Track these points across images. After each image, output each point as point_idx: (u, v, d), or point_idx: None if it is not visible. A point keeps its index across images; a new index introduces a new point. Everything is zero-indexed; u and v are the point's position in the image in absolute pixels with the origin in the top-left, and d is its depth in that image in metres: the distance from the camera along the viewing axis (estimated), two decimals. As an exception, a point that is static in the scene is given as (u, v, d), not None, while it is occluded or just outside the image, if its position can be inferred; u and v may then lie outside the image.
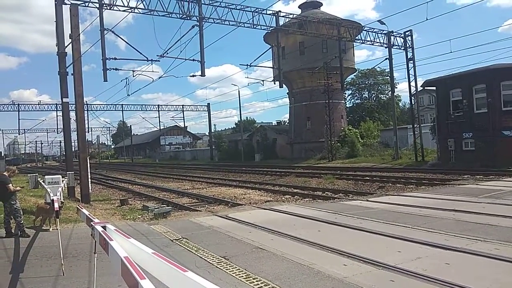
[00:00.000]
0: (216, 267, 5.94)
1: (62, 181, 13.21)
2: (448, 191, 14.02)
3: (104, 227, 3.89)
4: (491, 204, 10.46)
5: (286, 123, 60.90)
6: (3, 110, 56.87)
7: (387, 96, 59.91)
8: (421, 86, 30.13)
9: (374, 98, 63.44)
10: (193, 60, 22.01)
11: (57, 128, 61.91)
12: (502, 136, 22.87)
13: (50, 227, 9.13)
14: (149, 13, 21.82)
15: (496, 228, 7.68)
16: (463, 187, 15.09)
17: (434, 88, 28.26)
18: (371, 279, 5.13)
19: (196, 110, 69.93)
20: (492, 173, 18.99)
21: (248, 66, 27.49)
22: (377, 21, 30.21)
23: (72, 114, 21.77)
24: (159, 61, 21.60)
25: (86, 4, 19.63)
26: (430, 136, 31.91)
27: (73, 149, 25.20)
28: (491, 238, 6.85)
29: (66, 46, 17.12)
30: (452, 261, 5.78)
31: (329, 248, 6.65)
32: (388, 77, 39.00)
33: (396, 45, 31.77)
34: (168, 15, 22.01)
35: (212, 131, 70.14)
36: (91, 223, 4.27)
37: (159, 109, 68.49)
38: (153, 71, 21.95)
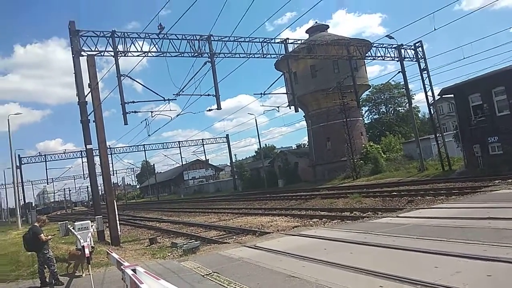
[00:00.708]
0: (250, 299, 5.85)
1: (92, 226, 13.42)
2: (480, 198, 13.57)
3: (134, 270, 3.93)
4: (528, 208, 10.07)
5: (306, 146, 60.72)
6: (31, 162, 58.76)
7: (405, 109, 59.28)
8: (438, 95, 29.76)
9: (392, 112, 62.83)
10: (208, 95, 22.51)
11: (83, 174, 63.38)
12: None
13: (83, 273, 9.23)
14: (162, 55, 22.58)
15: (536, 233, 7.36)
16: (495, 193, 14.59)
17: (452, 95, 27.86)
18: (410, 299, 4.96)
19: (216, 143, 70.66)
20: (525, 176, 18.32)
21: (262, 95, 27.85)
22: (386, 36, 30.32)
23: (97, 159, 22.36)
24: (175, 99, 22.15)
25: (102, 53, 20.50)
26: (454, 144, 31.20)
27: (100, 193, 25.71)
28: (532, 244, 6.56)
29: (86, 95, 17.80)
30: (494, 272, 5.53)
31: (363, 270, 6.48)
32: (403, 90, 38.75)
33: (407, 58, 31.72)
34: (180, 55, 22.71)
35: (233, 161, 70.43)
36: (121, 266, 4.33)
37: (180, 145, 69.45)
38: (170, 110, 22.47)
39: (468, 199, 13.94)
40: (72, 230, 12.94)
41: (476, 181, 20.21)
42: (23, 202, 57.54)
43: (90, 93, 17.48)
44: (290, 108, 31.78)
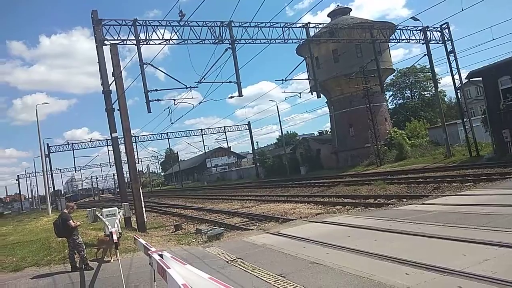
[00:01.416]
0: (274, 285, 5.90)
1: (119, 212, 13.73)
2: (509, 185, 13.19)
3: (160, 255, 4.01)
4: (561, 195, 9.72)
5: (328, 133, 60.15)
6: (59, 150, 60.41)
7: (431, 93, 57.74)
8: (465, 78, 28.83)
9: (417, 96, 61.32)
10: (230, 82, 22.48)
11: (109, 162, 64.75)
12: None
13: (111, 258, 9.51)
14: (183, 42, 22.60)
15: None
16: (526, 179, 14.14)
17: (480, 78, 26.94)
18: (436, 286, 4.91)
19: (238, 130, 70.66)
20: (558, 161, 17.65)
21: (284, 81, 27.55)
22: (411, 18, 29.37)
23: (122, 147, 22.81)
24: (197, 87, 22.21)
25: (124, 42, 20.69)
26: (482, 129, 30.28)
27: (126, 180, 26.25)
28: None
29: (110, 84, 18.06)
30: (524, 261, 5.40)
31: (388, 257, 6.43)
32: (429, 73, 37.69)
33: (433, 40, 30.71)
34: (201, 42, 22.69)
35: (255, 148, 70.52)
36: (148, 252, 4.41)
37: (203, 133, 69.92)
38: (192, 98, 22.68)
39: (497, 186, 13.56)
40: (100, 216, 13.27)
41: (505, 167, 19.58)
42: (52, 190, 59.36)
43: (114, 82, 17.74)
44: (312, 94, 31.37)
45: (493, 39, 38.39)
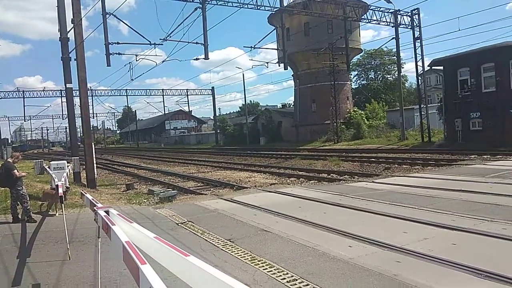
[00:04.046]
0: (222, 249, 5.95)
1: (68, 166, 13.24)
2: (454, 171, 13.92)
3: (107, 212, 3.86)
4: (499, 184, 10.37)
5: (291, 106, 60.59)
6: (8, 97, 56.86)
7: (394, 77, 59.23)
8: (428, 66, 29.70)
9: (381, 79, 62.73)
10: (197, 43, 21.82)
11: (62, 114, 62.11)
12: (511, 115, 22.57)
13: (56, 212, 9.19)
14: (151, -5, 21.55)
15: (504, 208, 7.59)
16: (470, 167, 14.98)
17: (442, 67, 27.86)
18: (376, 260, 5.10)
19: (201, 94, 69.45)
20: (500, 153, 18.83)
21: (252, 48, 27.19)
22: (383, -1, 29.56)
23: (77, 100, 21.74)
24: (162, 44, 21.55)
25: (87, -13, 19.37)
26: (437, 116, 31.62)
27: (78, 135, 25.30)
28: (498, 218, 6.78)
29: (69, 31, 16.93)
30: (458, 242, 5.73)
31: (334, 229, 6.63)
32: (394, 57, 38.47)
33: (403, 24, 31.21)
34: (170, -3, 21.70)
35: (217, 115, 69.92)
36: (94, 207, 4.25)
37: (164, 94, 68.10)
38: (156, 55, 21.88)
39: (443, 171, 14.28)
40: (48, 169, 12.75)
41: (453, 154, 20.69)
42: (-1, 138, 56.20)
43: (72, 29, 16.64)
44: (279, 65, 31.24)
45: (459, 30, 39.46)
